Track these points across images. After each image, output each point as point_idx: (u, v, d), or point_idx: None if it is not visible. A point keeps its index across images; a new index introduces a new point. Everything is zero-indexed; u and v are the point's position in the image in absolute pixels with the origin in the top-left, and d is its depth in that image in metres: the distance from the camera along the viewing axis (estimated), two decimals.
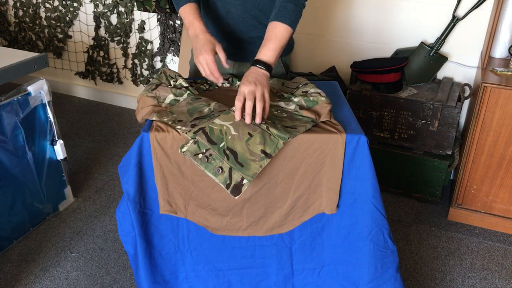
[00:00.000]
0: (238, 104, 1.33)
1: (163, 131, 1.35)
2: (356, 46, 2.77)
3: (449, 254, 2.27)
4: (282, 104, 1.49)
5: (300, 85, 1.59)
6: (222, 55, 1.50)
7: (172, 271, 1.57)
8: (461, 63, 2.61)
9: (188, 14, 1.56)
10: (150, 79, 3.43)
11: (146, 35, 3.32)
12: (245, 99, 1.33)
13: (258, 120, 1.33)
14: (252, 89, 1.33)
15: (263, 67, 1.41)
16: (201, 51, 1.48)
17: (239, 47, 1.70)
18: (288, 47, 1.78)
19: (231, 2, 1.61)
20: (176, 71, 3.13)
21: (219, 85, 1.59)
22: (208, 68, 1.48)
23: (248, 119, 1.32)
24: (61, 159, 2.42)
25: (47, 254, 2.22)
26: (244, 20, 1.63)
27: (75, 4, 3.44)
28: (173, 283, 1.58)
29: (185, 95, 1.51)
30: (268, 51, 1.44)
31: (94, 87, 3.74)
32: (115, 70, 3.56)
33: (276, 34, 1.46)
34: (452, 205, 2.46)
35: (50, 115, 2.30)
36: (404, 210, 2.57)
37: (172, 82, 1.56)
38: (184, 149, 1.31)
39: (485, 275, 2.15)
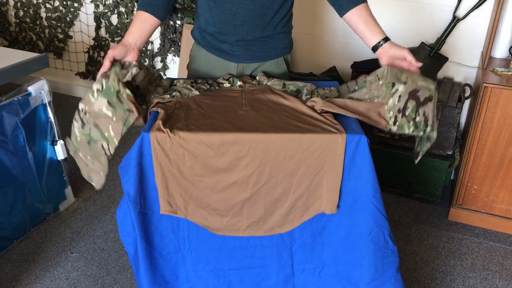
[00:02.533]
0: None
1: (163, 131, 1.35)
2: (356, 46, 2.77)
3: (450, 254, 2.27)
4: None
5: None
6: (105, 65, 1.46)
7: (173, 271, 1.57)
8: (462, 63, 2.61)
9: (133, 20, 1.58)
10: None
11: None
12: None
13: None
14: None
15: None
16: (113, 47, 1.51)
17: (243, 49, 1.70)
18: (289, 46, 1.78)
19: (240, 2, 1.60)
20: (177, 71, 3.14)
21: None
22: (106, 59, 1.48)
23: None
24: (62, 159, 2.42)
25: (48, 254, 2.22)
26: (252, 20, 1.63)
27: (76, 5, 3.44)
28: (173, 283, 1.58)
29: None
30: (380, 29, 1.67)
31: None
32: None
33: (369, 14, 1.65)
34: (453, 205, 2.46)
35: (51, 115, 2.30)
36: (405, 210, 2.57)
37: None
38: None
39: (486, 275, 2.15)
